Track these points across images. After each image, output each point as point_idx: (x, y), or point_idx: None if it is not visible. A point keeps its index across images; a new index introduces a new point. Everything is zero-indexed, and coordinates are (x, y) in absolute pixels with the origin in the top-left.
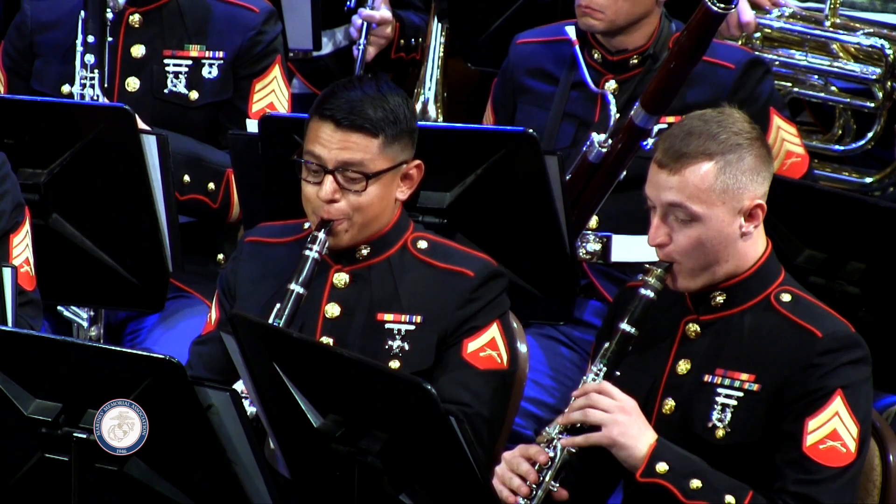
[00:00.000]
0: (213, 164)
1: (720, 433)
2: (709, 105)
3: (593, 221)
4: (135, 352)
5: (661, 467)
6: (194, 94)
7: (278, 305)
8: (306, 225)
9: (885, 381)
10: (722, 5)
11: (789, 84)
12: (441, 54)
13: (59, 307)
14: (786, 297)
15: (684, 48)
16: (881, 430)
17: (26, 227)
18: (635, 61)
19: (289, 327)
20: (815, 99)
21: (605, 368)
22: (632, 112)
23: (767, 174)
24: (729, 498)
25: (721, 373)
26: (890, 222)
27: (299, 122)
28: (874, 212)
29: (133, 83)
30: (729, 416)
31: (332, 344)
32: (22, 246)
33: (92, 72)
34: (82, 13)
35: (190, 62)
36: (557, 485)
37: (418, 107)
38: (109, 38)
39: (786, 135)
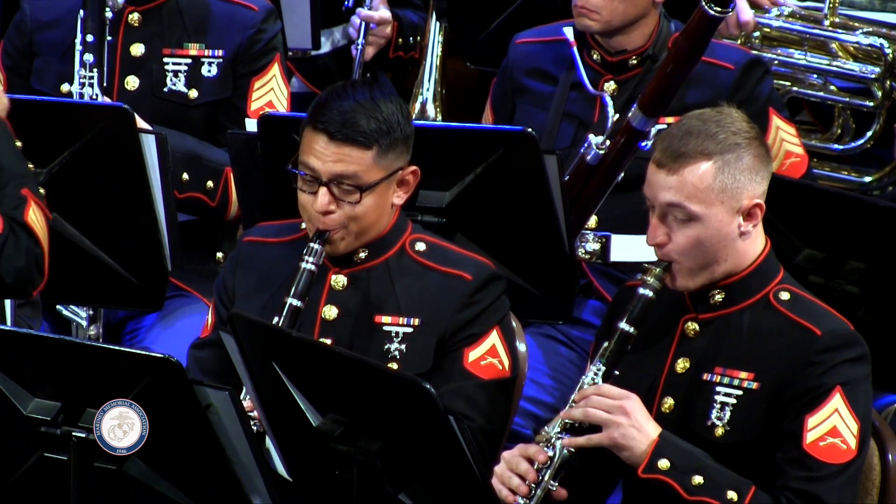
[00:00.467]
0: (212, 162)
1: (719, 431)
2: (708, 106)
3: (592, 221)
4: (134, 351)
5: (663, 464)
6: (194, 93)
7: (276, 319)
8: (304, 224)
9: (885, 381)
10: (719, 9)
11: (788, 83)
12: (440, 53)
13: (58, 306)
14: (784, 296)
15: (681, 51)
16: (880, 430)
17: None
18: (634, 62)
19: None
20: (814, 98)
21: (604, 368)
22: (629, 114)
23: (766, 173)
24: (731, 494)
25: (720, 371)
26: (889, 222)
27: (298, 121)
28: (873, 211)
29: (132, 82)
30: (728, 414)
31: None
32: None
33: (91, 71)
34: (81, 12)
35: (189, 61)
36: (556, 484)
37: (417, 106)
38: (109, 37)
39: (785, 135)
